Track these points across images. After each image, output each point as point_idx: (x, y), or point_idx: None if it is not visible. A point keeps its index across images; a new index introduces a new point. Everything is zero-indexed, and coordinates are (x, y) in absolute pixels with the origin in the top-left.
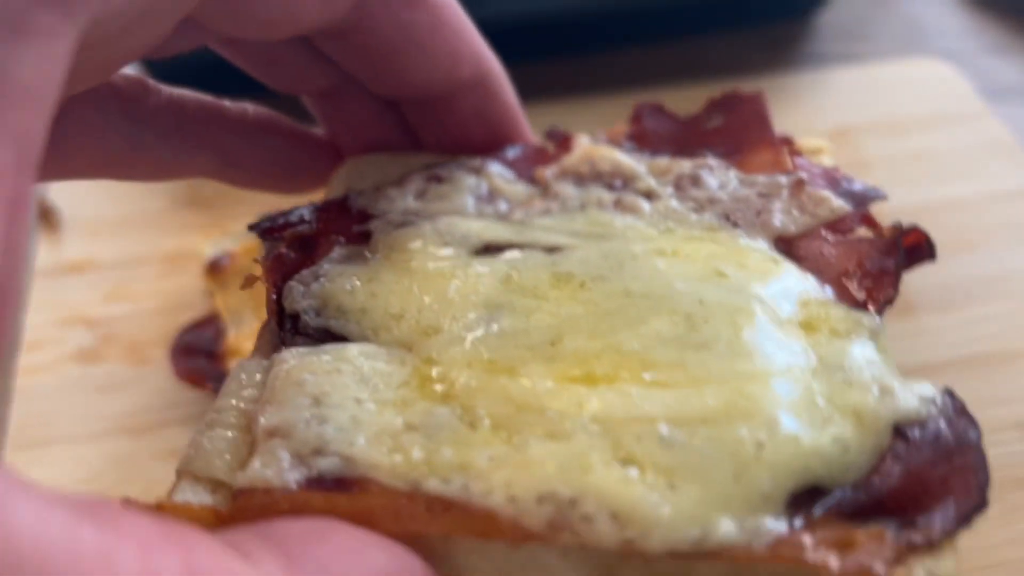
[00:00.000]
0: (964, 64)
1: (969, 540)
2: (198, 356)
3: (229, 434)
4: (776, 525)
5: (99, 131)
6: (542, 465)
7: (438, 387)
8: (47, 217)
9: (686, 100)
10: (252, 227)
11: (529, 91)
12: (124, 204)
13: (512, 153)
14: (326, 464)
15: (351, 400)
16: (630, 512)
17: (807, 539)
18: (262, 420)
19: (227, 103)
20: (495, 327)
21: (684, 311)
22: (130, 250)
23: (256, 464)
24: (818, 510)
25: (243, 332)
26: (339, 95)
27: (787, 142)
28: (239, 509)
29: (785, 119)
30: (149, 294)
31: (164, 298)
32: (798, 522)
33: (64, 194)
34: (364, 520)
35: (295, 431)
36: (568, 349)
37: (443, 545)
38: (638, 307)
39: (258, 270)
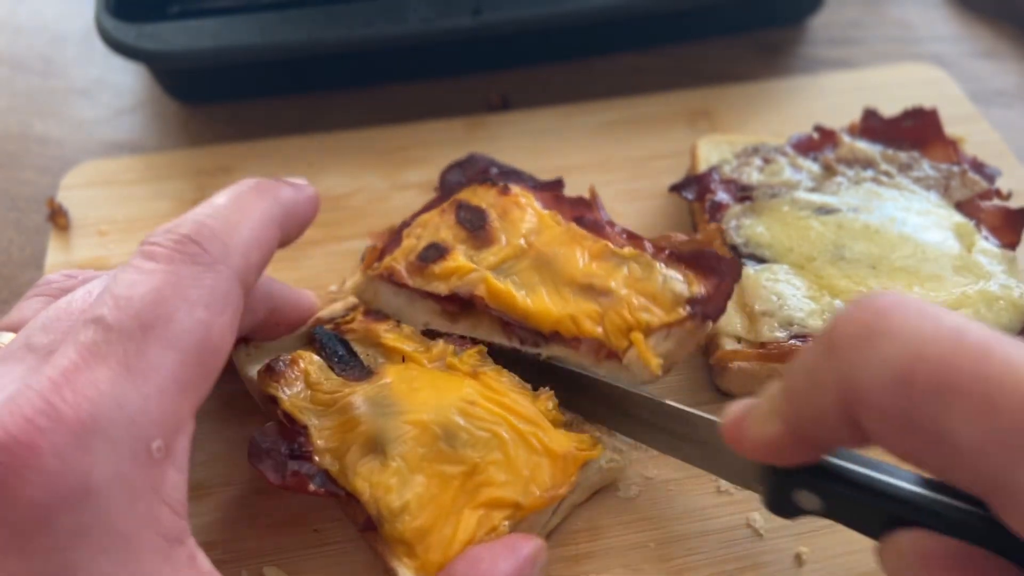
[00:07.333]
0: (955, 68)
1: None
2: None
3: (738, 316)
4: None
5: None
6: None
7: (826, 292)
8: (57, 218)
9: (683, 103)
10: (674, 187)
11: (529, 94)
12: (132, 206)
13: (796, 138)
14: (794, 329)
15: (791, 295)
16: None
17: None
18: (756, 307)
19: None
20: (841, 254)
21: (918, 244)
22: None
23: (764, 329)
24: None
25: None
26: None
27: (953, 142)
28: (762, 351)
29: (778, 122)
30: None
31: None
32: None
33: (74, 196)
34: None
35: (776, 312)
36: (884, 269)
37: None
38: (902, 243)
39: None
